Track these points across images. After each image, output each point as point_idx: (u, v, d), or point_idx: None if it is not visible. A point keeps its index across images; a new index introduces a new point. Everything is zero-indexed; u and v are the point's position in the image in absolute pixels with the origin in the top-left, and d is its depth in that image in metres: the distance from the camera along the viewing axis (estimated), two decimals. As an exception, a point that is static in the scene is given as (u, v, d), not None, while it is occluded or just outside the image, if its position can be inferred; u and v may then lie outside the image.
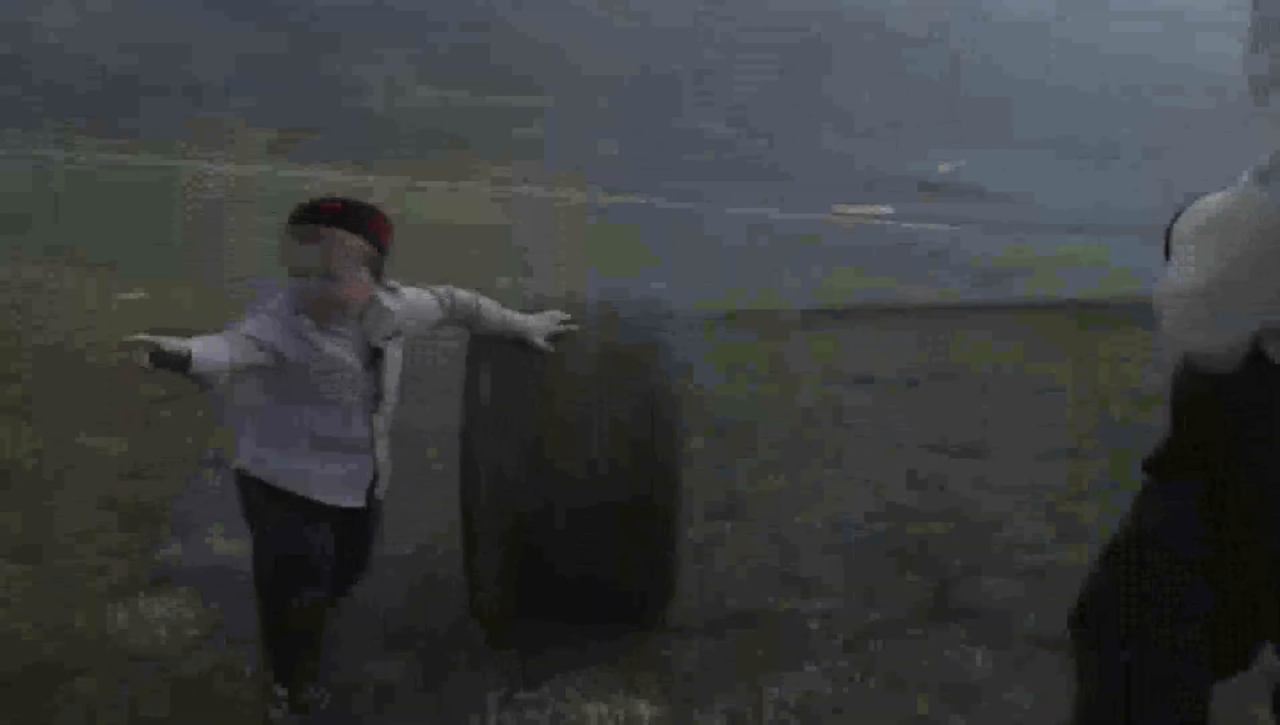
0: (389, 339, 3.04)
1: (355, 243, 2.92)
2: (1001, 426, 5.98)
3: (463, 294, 3.25)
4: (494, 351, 3.27)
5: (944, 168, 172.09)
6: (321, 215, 2.92)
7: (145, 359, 2.51)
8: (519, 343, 3.27)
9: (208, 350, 2.68)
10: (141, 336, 2.54)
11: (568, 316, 3.33)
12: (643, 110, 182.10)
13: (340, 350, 2.95)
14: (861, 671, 3.30)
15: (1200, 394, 1.77)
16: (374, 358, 3.02)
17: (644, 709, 3.11)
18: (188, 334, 2.72)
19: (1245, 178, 1.64)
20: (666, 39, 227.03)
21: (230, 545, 4.16)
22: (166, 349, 2.54)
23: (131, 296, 13.98)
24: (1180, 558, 1.87)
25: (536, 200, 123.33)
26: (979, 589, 3.84)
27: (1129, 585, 1.93)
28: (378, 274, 2.99)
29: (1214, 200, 1.69)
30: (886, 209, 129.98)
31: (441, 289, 3.24)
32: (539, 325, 3.29)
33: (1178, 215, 1.79)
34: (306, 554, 2.99)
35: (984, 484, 4.78)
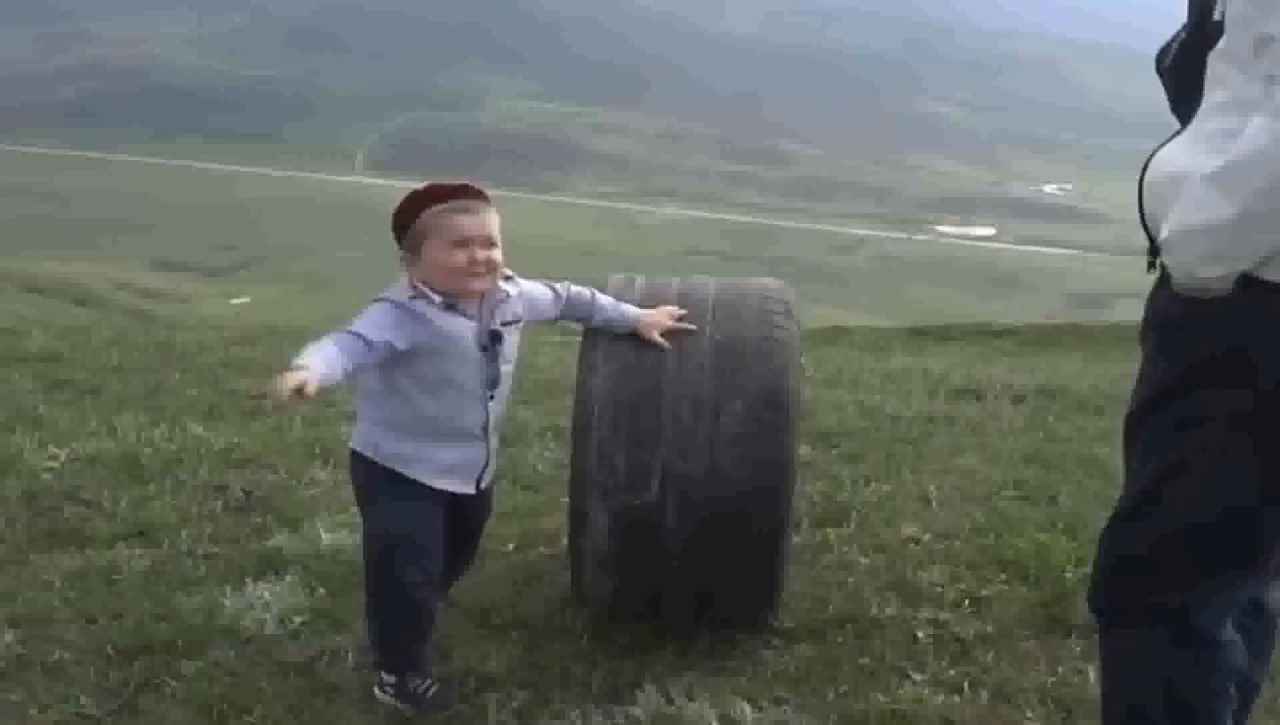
0: (508, 324, 3.08)
1: (497, 222, 3.01)
2: (1109, 443, 5.81)
3: (578, 288, 3.28)
4: (610, 346, 3.26)
5: (1049, 189, 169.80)
6: (475, 193, 3.03)
7: (283, 398, 2.59)
8: (634, 337, 3.26)
9: (326, 368, 2.72)
10: (275, 387, 2.60)
11: (683, 311, 3.31)
12: (741, 127, 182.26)
13: (461, 331, 3.00)
14: (970, 682, 3.22)
15: (1194, 319, 1.99)
16: (492, 342, 3.04)
17: (747, 711, 3.07)
18: (302, 337, 2.78)
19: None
20: (745, 54, 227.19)
21: (336, 536, 4.20)
22: (293, 387, 2.59)
23: (239, 301, 14.29)
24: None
25: (631, 213, 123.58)
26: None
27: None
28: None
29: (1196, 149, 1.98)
30: (988, 230, 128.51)
31: (558, 283, 3.28)
32: (654, 319, 3.28)
33: (1146, 166, 2.13)
34: (416, 537, 3.03)
35: (1094, 498, 4.65)
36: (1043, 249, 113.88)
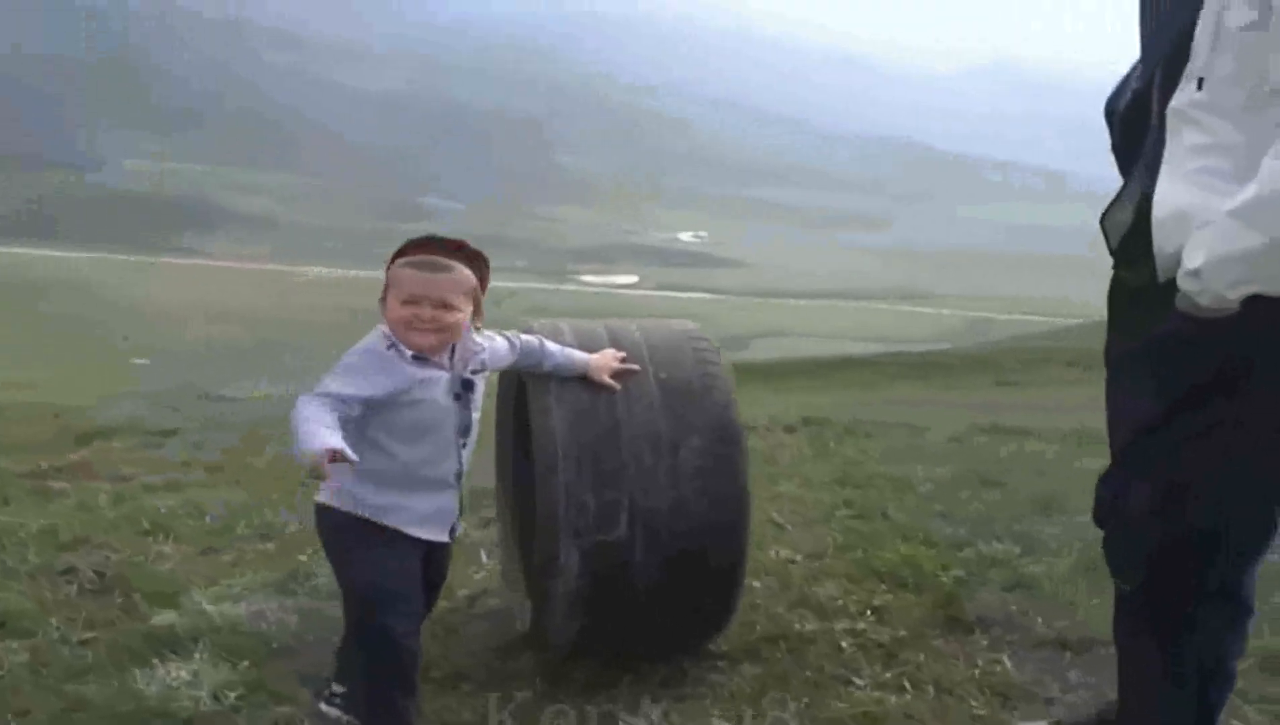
0: (477, 373, 3.13)
1: (469, 278, 3.07)
2: (897, 462, 6.37)
3: (528, 337, 3.36)
4: (560, 391, 3.34)
5: (686, 236, 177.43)
6: (450, 249, 3.07)
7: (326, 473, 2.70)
8: (583, 380, 3.36)
9: (334, 439, 2.72)
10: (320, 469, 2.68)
11: (624, 353, 3.44)
12: (378, 183, 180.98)
13: (434, 381, 3.03)
14: (909, 681, 3.48)
15: (1204, 337, 2.29)
16: (464, 390, 3.09)
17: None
18: None
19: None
20: (391, 111, 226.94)
21: (223, 607, 4.06)
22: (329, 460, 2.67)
23: None
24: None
25: (279, 274, 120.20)
26: (975, 599, 4.10)
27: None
28: (477, 310, 3.10)
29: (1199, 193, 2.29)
30: (631, 277, 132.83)
31: (509, 333, 3.35)
32: (602, 362, 3.39)
33: (1105, 212, 2.51)
34: (401, 589, 3.02)
35: (918, 509, 5.09)
36: (682, 294, 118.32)
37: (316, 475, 2.70)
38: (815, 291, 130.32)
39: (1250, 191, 2.17)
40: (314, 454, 2.64)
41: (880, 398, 12.91)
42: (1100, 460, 6.22)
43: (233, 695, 3.42)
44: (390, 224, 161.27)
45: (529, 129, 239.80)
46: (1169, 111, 2.35)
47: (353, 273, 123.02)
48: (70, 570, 4.45)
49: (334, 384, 2.90)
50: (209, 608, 4.05)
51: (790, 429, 7.56)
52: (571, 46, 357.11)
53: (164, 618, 4.00)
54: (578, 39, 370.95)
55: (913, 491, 5.58)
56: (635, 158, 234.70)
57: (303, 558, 4.59)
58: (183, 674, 3.54)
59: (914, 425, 7.76)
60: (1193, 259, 2.25)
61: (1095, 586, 4.04)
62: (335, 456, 2.65)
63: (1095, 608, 3.85)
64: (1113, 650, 2.81)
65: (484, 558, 4.59)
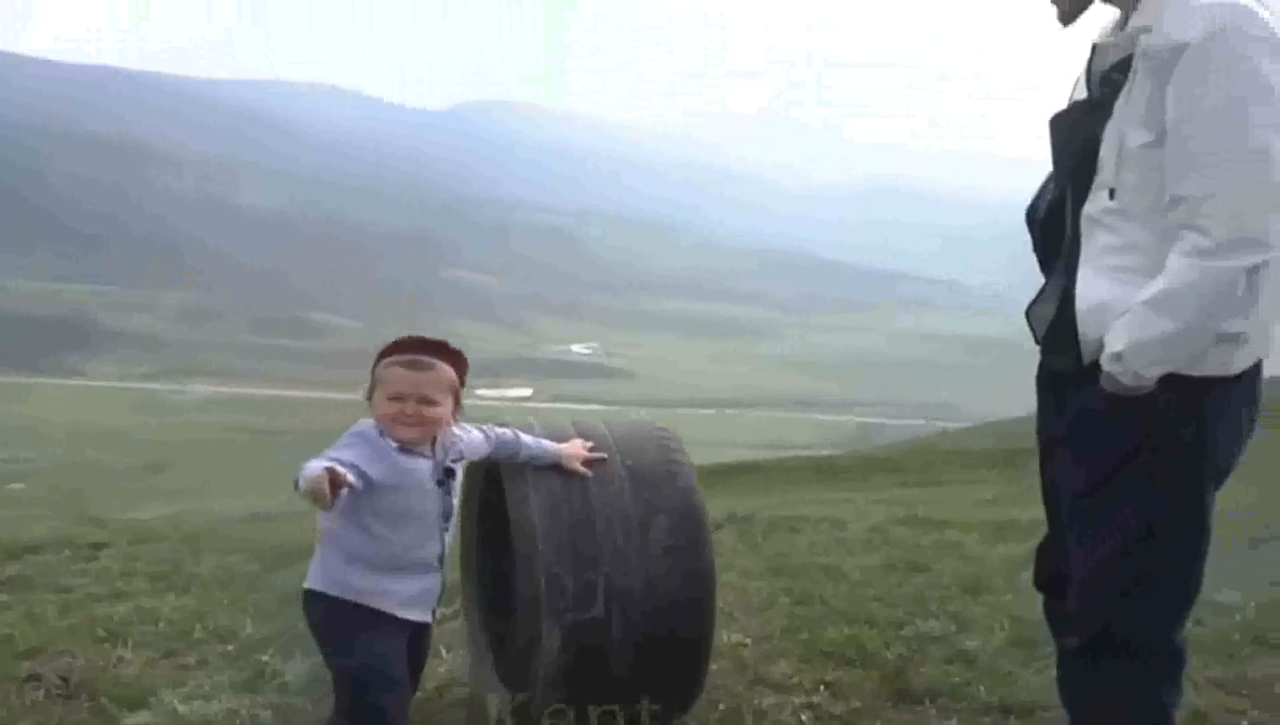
0: (457, 462, 3.34)
1: (450, 375, 3.29)
2: (825, 553, 6.62)
3: (502, 429, 3.58)
4: (537, 479, 3.55)
5: (578, 348, 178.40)
6: (432, 349, 3.30)
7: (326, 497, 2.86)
8: (556, 469, 3.58)
9: (333, 464, 2.94)
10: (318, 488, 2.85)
11: (592, 443, 3.67)
12: (268, 300, 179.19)
13: (419, 467, 3.24)
14: (869, 749, 3.71)
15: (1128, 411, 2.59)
16: (446, 477, 3.30)
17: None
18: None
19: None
20: (281, 229, 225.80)
21: (194, 706, 4.12)
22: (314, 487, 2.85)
23: None
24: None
25: (161, 393, 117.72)
26: (920, 673, 4.33)
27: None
28: (457, 404, 3.32)
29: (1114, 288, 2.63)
30: (525, 391, 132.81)
31: (485, 426, 3.56)
32: (574, 451, 3.62)
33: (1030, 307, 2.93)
34: (390, 670, 3.19)
35: (852, 595, 5.35)
36: (577, 406, 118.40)
37: (318, 498, 2.84)
38: (707, 401, 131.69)
39: (1161, 284, 2.50)
40: (314, 476, 2.82)
41: (792, 498, 13.18)
42: (1018, 546, 6.56)
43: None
44: (281, 341, 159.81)
45: (419, 245, 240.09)
46: (1083, 217, 2.70)
47: (243, 391, 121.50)
48: (34, 677, 4.48)
49: (334, 453, 3.08)
50: (181, 708, 4.11)
51: (718, 525, 7.77)
52: (459, 166, 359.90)
53: (137, 718, 4.06)
54: (465, 158, 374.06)
55: (845, 578, 5.83)
56: (525, 272, 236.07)
57: (265, 658, 4.66)
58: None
59: (834, 519, 8.03)
60: (1115, 344, 2.56)
61: (1030, 657, 4.31)
62: (334, 478, 2.84)
63: (1033, 676, 4.11)
64: (1052, 713, 3.05)
65: (444, 652, 4.71)
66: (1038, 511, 3.16)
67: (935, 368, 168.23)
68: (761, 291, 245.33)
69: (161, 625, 5.27)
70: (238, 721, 4.03)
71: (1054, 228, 2.82)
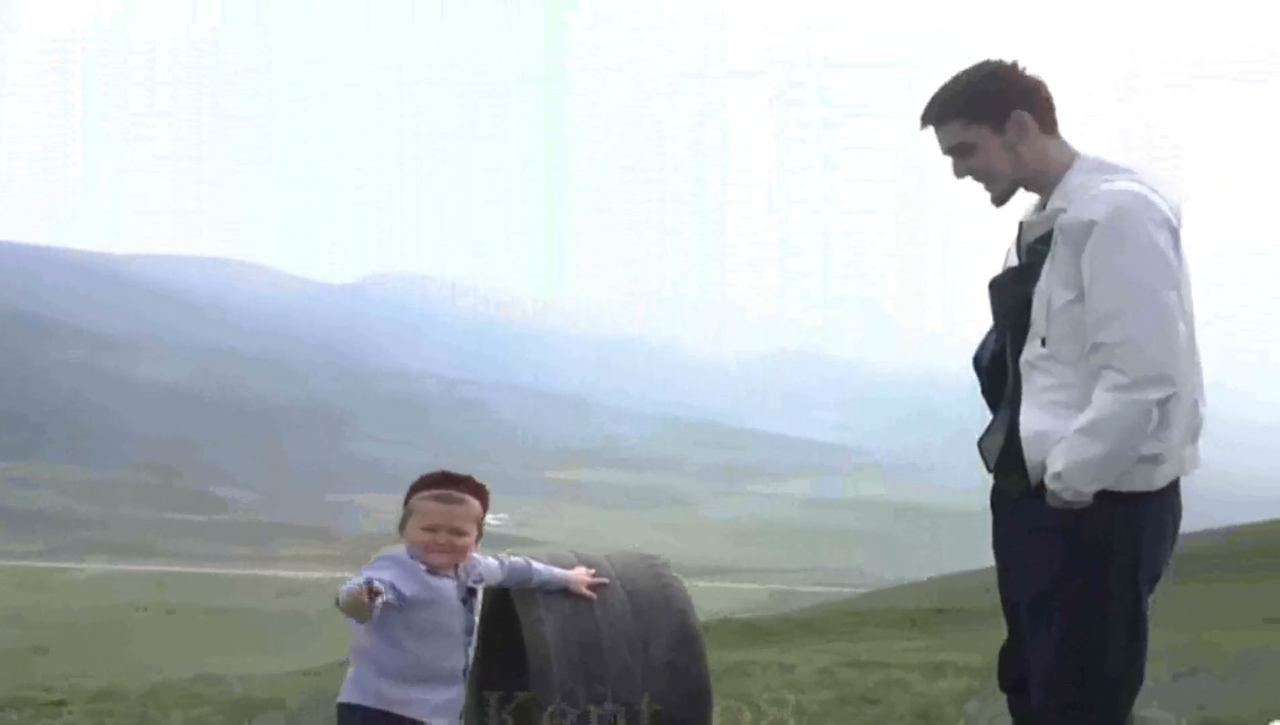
0: (478, 583, 3.71)
1: (477, 508, 3.69)
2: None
3: (516, 559, 3.95)
4: (547, 601, 3.88)
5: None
6: (461, 484, 3.71)
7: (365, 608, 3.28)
8: (564, 593, 3.93)
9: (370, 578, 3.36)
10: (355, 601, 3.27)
11: (594, 569, 4.02)
12: (167, 474, 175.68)
13: (447, 587, 3.59)
14: None
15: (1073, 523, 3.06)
16: (469, 596, 3.66)
17: None
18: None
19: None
20: (180, 402, 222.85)
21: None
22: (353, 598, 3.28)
23: None
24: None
25: (52, 572, 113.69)
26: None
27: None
28: (479, 533, 3.68)
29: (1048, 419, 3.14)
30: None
31: (501, 555, 3.93)
32: (579, 576, 3.99)
33: (981, 439, 3.39)
34: None
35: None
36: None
37: (357, 608, 3.23)
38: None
39: (1089, 415, 3.01)
40: (354, 590, 3.22)
41: (726, 654, 13.36)
42: (957, 681, 6.88)
43: None
44: (182, 515, 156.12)
45: (323, 418, 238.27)
46: (1021, 362, 3.23)
47: (142, 567, 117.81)
48: None
49: (370, 571, 3.43)
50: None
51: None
52: (363, 338, 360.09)
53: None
54: (370, 331, 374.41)
55: (805, 711, 6.09)
56: (433, 443, 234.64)
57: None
58: None
59: (782, 663, 8.30)
60: (1054, 465, 3.05)
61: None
62: (372, 591, 3.23)
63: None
64: None
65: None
66: (970, 656, 3.56)
67: (844, 534, 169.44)
68: (674, 459, 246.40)
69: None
70: None
71: (997, 373, 3.35)
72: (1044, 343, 3.15)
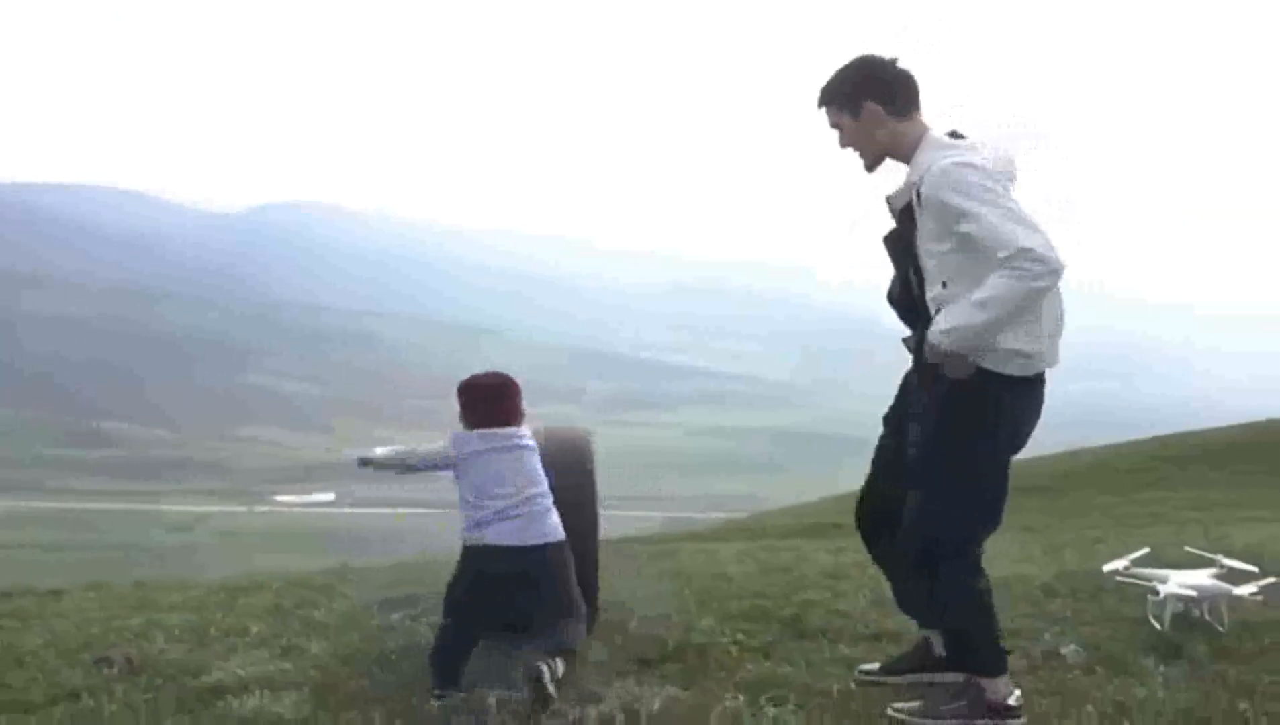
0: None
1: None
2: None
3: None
4: None
5: (379, 452, 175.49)
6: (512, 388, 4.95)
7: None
8: None
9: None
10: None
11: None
12: (56, 410, 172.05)
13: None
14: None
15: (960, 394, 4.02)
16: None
17: (674, 691, 4.65)
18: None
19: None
20: (71, 336, 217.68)
21: (264, 669, 5.17)
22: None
23: None
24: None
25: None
26: (811, 621, 5.70)
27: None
28: None
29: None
30: (328, 495, 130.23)
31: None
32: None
33: (905, 339, 4.26)
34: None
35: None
36: (380, 509, 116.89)
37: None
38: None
39: (984, 291, 3.84)
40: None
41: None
42: (859, 556, 7.91)
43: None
44: (70, 452, 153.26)
45: (216, 350, 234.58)
46: (929, 300, 4.12)
47: (36, 504, 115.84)
48: (104, 660, 5.45)
49: (446, 443, 4.80)
50: (240, 671, 5.16)
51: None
52: (255, 269, 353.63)
53: (214, 676, 5.10)
54: (266, 261, 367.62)
55: (731, 580, 7.19)
56: (330, 375, 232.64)
57: (283, 641, 5.75)
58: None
59: (705, 549, 9.37)
60: (943, 322, 3.95)
61: (892, 610, 5.70)
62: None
63: (896, 617, 5.50)
64: (912, 636, 4.57)
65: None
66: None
67: (736, 461, 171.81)
68: (572, 390, 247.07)
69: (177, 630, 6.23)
70: (291, 680, 5.05)
71: (907, 303, 4.24)
72: (944, 285, 4.00)
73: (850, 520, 4.73)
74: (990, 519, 4.18)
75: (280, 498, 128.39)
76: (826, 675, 4.77)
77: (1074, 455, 31.67)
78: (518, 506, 4.66)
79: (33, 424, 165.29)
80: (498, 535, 4.63)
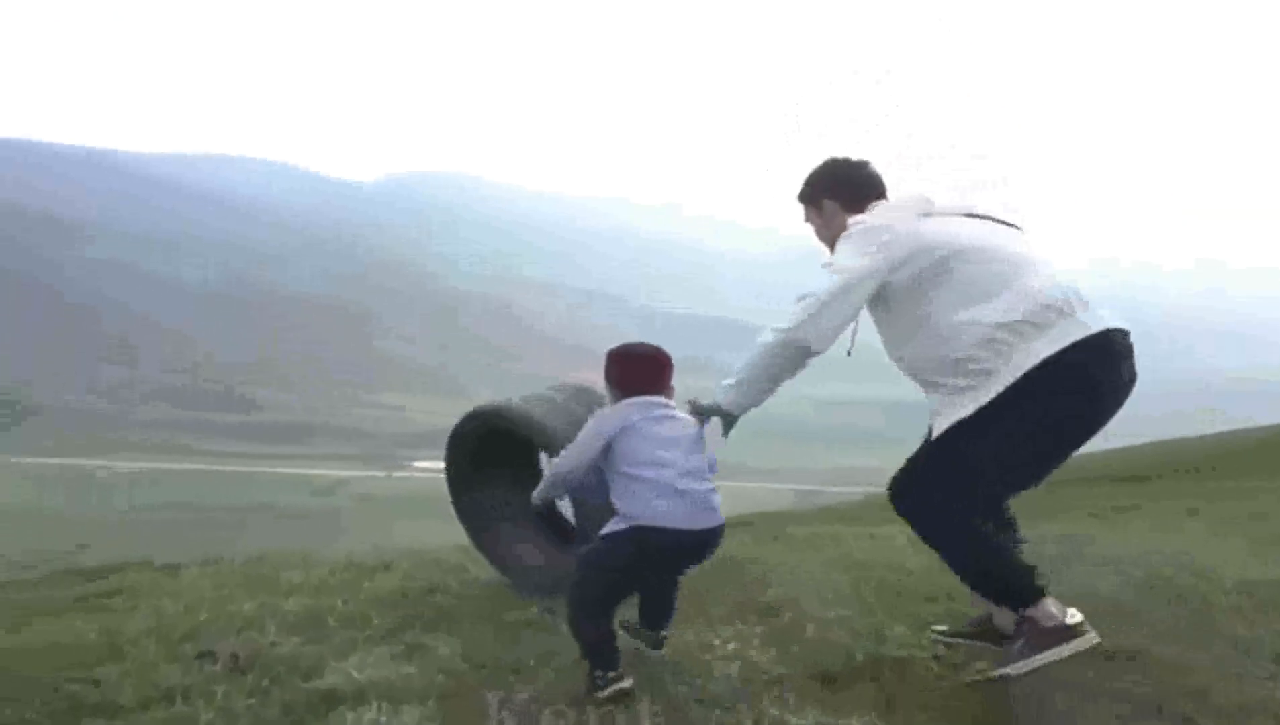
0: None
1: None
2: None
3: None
4: None
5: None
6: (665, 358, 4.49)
7: None
8: None
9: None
10: None
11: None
12: (197, 374, 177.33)
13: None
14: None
15: None
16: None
17: (873, 720, 3.86)
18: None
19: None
20: (209, 301, 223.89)
21: (382, 670, 4.51)
22: None
23: None
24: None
25: (86, 469, 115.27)
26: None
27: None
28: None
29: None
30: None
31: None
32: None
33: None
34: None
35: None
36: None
37: None
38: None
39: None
40: None
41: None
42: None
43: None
44: (211, 414, 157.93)
45: (351, 317, 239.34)
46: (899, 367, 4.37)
47: (173, 466, 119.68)
48: (206, 654, 4.84)
49: (595, 427, 4.34)
50: (356, 675, 4.49)
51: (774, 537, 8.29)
52: (386, 235, 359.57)
53: (328, 682, 4.44)
54: (400, 230, 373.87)
55: (909, 571, 6.32)
56: (462, 343, 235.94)
57: (406, 637, 5.07)
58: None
59: (876, 534, 8.51)
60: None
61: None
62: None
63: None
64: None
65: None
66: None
67: (858, 433, 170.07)
68: (701, 360, 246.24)
69: (292, 618, 5.61)
70: (414, 688, 4.37)
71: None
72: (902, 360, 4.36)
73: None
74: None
75: (417, 463, 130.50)
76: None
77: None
78: (682, 478, 4.14)
79: (179, 388, 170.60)
80: (663, 515, 4.09)
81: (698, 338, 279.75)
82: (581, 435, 4.26)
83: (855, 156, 4.58)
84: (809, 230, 4.65)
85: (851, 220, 4.27)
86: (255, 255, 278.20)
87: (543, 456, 5.60)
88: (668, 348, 4.65)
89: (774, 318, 4.29)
